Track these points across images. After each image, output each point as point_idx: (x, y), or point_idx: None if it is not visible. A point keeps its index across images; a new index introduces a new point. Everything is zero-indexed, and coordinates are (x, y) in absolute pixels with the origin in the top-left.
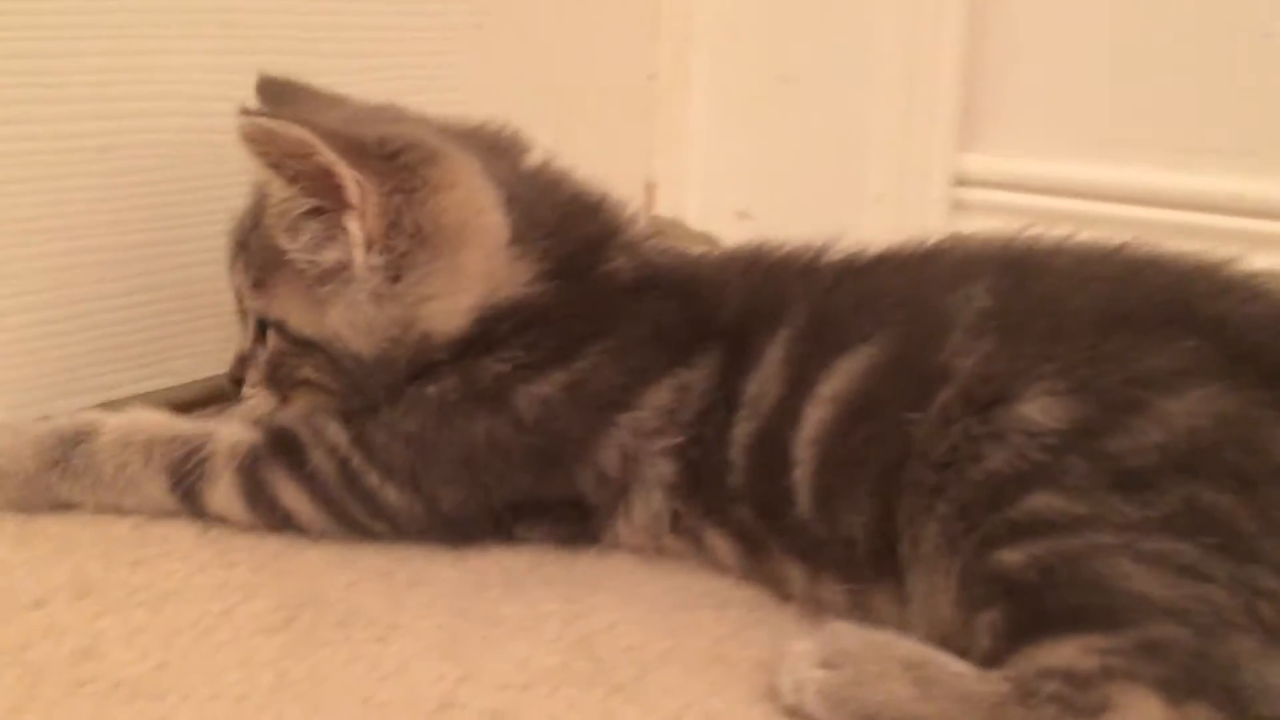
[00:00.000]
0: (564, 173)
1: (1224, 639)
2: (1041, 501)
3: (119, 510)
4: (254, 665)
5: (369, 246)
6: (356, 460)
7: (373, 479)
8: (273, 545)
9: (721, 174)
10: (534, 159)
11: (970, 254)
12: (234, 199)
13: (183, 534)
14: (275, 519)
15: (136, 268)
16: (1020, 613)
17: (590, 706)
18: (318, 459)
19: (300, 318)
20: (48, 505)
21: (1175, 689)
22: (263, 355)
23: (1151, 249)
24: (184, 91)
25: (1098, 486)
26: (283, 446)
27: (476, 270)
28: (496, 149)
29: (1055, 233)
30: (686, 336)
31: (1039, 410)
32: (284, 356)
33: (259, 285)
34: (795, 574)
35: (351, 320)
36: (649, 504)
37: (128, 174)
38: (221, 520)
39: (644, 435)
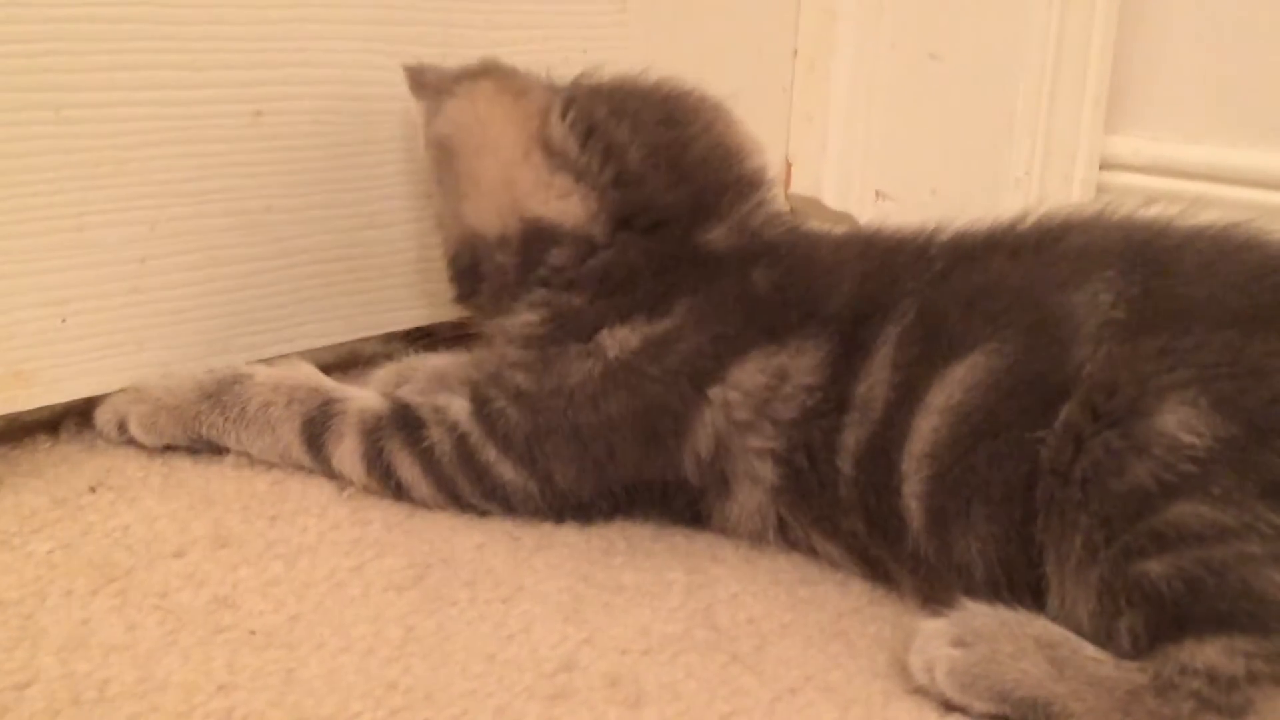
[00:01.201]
0: (708, 138)
1: None
2: (1187, 510)
3: (254, 453)
4: (383, 620)
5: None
6: (475, 435)
7: (490, 453)
8: (405, 506)
9: (861, 153)
10: (681, 120)
11: (1092, 243)
12: (378, 166)
13: (320, 491)
14: (390, 488)
15: (282, 232)
16: (1162, 617)
17: (709, 674)
18: (436, 436)
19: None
20: (196, 439)
21: None
22: None
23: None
24: (332, 60)
25: (1246, 496)
26: (404, 421)
27: (494, 177)
28: (645, 103)
29: (1179, 217)
30: (785, 316)
31: (1179, 425)
32: None
33: None
34: (912, 590)
35: (438, 214)
36: (752, 499)
37: (276, 139)
38: (343, 479)
39: (737, 424)
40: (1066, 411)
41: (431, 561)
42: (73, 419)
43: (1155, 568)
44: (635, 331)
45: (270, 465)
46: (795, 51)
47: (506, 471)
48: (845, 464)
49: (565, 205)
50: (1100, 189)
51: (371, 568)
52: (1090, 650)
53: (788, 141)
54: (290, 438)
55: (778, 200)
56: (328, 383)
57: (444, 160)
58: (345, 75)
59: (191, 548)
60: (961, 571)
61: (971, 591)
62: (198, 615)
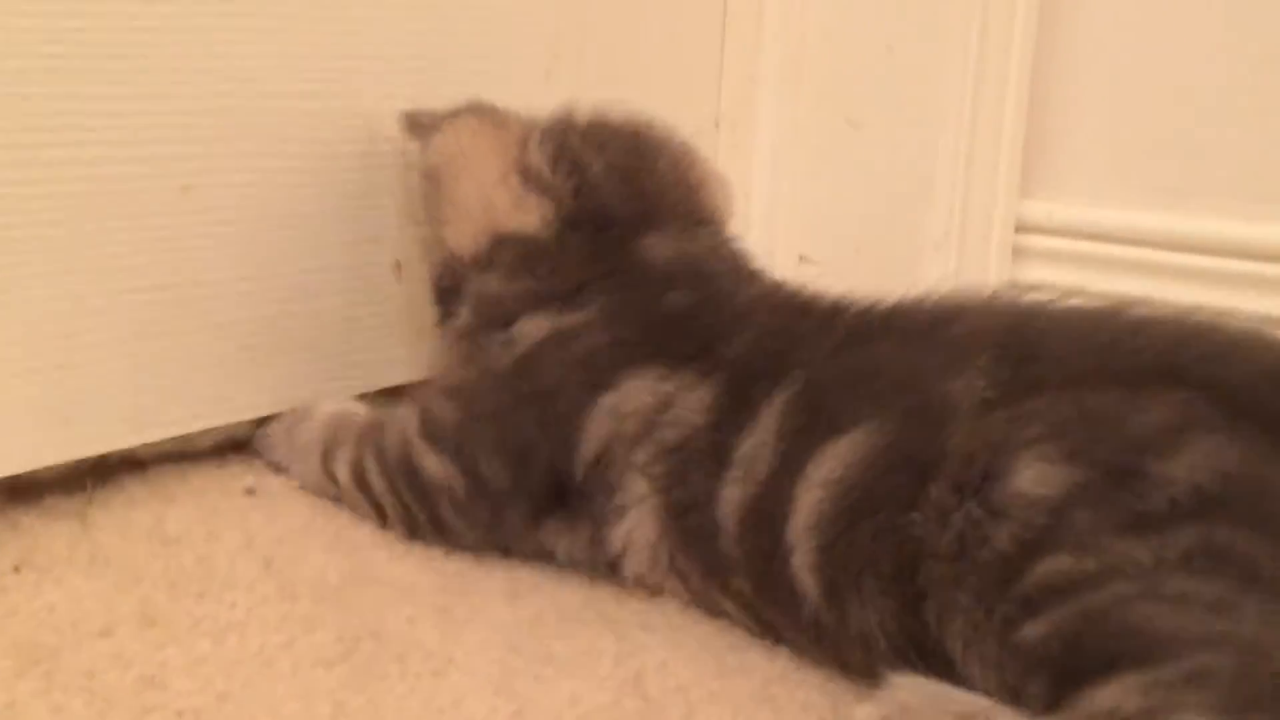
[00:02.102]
0: (670, 168)
1: (1267, 659)
2: (1050, 567)
3: (305, 480)
4: (313, 696)
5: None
6: (413, 433)
7: (422, 450)
8: (334, 578)
9: (783, 217)
10: (647, 150)
11: (974, 330)
12: (305, 239)
13: (247, 566)
14: (365, 494)
15: (209, 305)
16: (1056, 676)
17: None
18: (390, 439)
19: None
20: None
21: (1227, 713)
22: None
23: (1149, 312)
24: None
25: (1104, 535)
26: (376, 429)
27: (474, 201)
28: (616, 134)
29: (1056, 300)
30: (683, 345)
31: (1033, 481)
32: None
33: None
34: (813, 656)
35: (425, 241)
36: (643, 528)
37: (204, 213)
38: (349, 497)
39: (624, 436)
40: (934, 490)
41: (361, 635)
42: None
43: (1032, 632)
44: (547, 320)
45: (196, 541)
46: (717, 120)
47: (433, 467)
48: (727, 521)
49: (527, 216)
50: (1016, 251)
51: (300, 643)
52: (1009, 717)
53: None
54: (315, 465)
55: (732, 241)
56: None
57: (431, 190)
58: (273, 149)
59: (118, 627)
60: (864, 642)
61: (876, 660)
62: (125, 696)
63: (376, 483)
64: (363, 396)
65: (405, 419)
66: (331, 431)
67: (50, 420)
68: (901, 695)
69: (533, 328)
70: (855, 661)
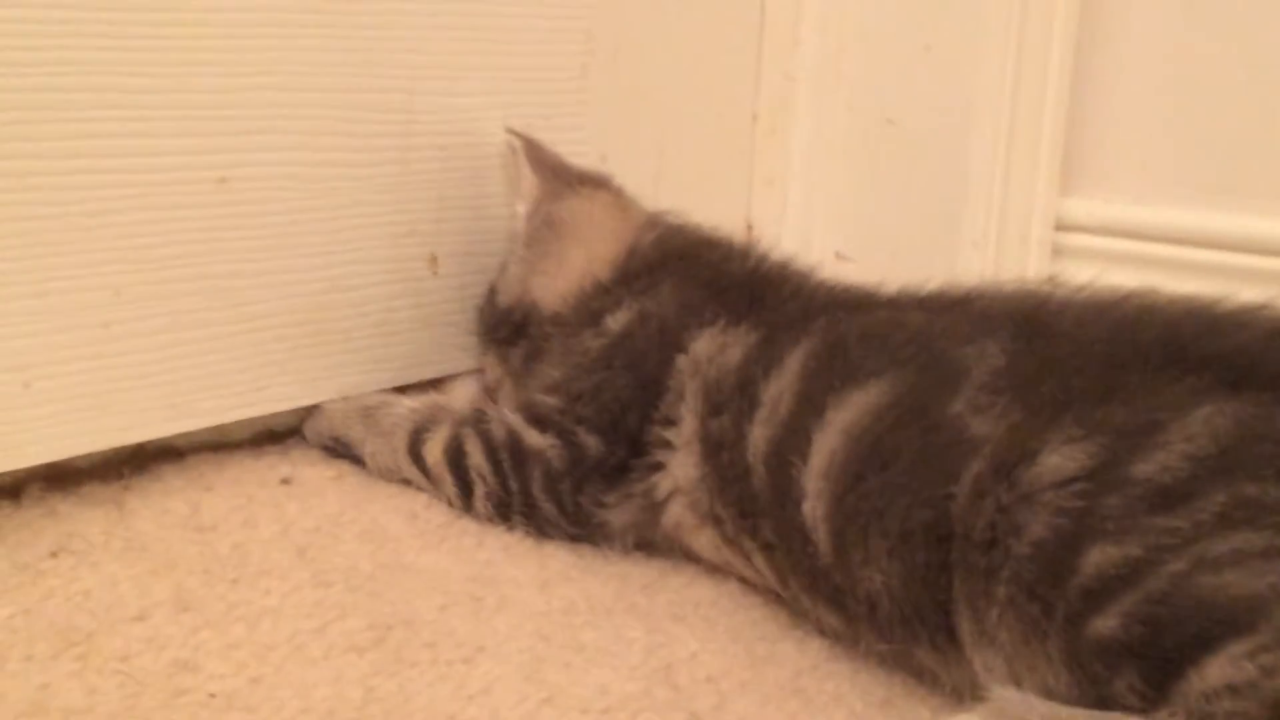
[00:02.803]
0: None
1: None
2: (1098, 558)
3: (376, 458)
4: (344, 682)
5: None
6: (518, 423)
7: (528, 433)
8: (367, 566)
9: (820, 215)
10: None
11: (990, 307)
12: (341, 230)
13: (281, 554)
14: (456, 474)
15: (245, 296)
16: (1150, 664)
17: None
18: (494, 426)
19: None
20: (344, 446)
21: None
22: None
23: (1150, 297)
24: (295, 126)
25: (1137, 515)
26: (477, 418)
27: (577, 268)
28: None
29: (1069, 285)
30: (741, 303)
31: (1061, 458)
32: None
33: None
34: (831, 622)
35: (509, 268)
36: (686, 470)
37: (240, 205)
38: (436, 474)
39: (685, 377)
40: (974, 470)
41: (393, 623)
42: (36, 484)
43: (1105, 625)
44: (629, 309)
45: (232, 528)
46: (755, 116)
47: (536, 441)
48: (756, 461)
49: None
50: (1056, 250)
51: (333, 629)
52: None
53: (749, 205)
54: (401, 446)
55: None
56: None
57: (544, 235)
58: (307, 141)
59: (153, 611)
60: (869, 603)
61: (884, 625)
62: (158, 679)
63: (476, 459)
64: (399, 389)
65: (505, 413)
66: (424, 415)
67: (88, 409)
68: (1001, 706)
69: (620, 315)
70: (864, 625)
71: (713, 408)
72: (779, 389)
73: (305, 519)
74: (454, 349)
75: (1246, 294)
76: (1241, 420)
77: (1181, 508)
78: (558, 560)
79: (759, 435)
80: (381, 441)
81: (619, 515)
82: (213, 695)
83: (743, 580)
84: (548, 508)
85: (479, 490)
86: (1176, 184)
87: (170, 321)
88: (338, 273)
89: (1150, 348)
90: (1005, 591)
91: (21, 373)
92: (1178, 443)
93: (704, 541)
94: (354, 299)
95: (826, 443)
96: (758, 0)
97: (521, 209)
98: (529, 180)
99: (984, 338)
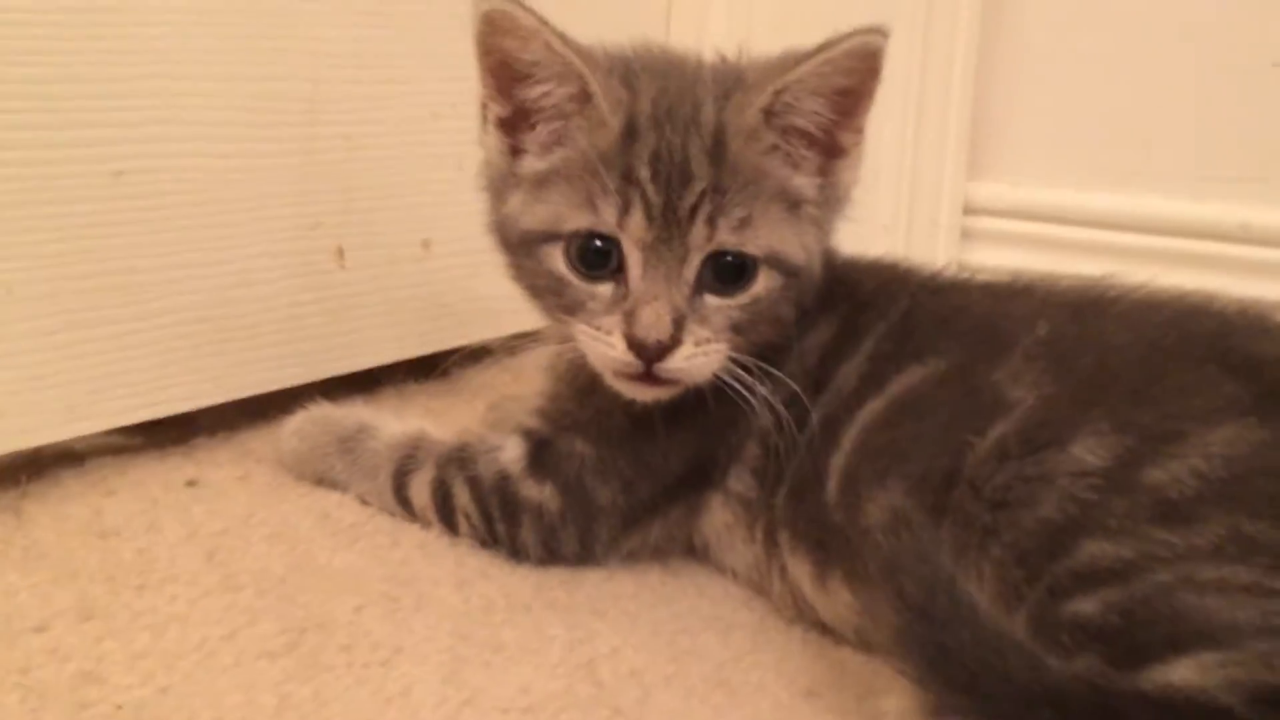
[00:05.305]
0: None
1: None
2: (1094, 549)
3: (365, 498)
4: (257, 689)
5: (851, 162)
6: (511, 460)
7: (521, 482)
8: (278, 569)
9: None
10: None
11: (1051, 295)
12: (244, 224)
13: (189, 559)
14: (444, 518)
15: (145, 293)
16: (1115, 650)
17: None
18: (483, 466)
19: (791, 245)
20: (329, 484)
21: None
22: (721, 304)
23: (1202, 297)
24: (194, 117)
25: (1139, 521)
26: (462, 454)
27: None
28: None
29: (1129, 281)
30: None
31: (1085, 450)
32: (771, 294)
33: (743, 219)
34: (802, 572)
35: (810, 245)
36: (741, 482)
37: (138, 199)
38: (423, 516)
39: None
40: (1000, 431)
41: (306, 626)
42: None
43: (1087, 607)
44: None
45: (136, 533)
46: None
47: (533, 494)
48: (806, 437)
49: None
50: (965, 233)
51: (244, 635)
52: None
53: None
54: (384, 484)
55: None
56: (427, 432)
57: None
58: (206, 132)
59: (54, 621)
60: (869, 536)
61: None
62: (61, 692)
63: (463, 500)
64: (316, 385)
65: (499, 446)
66: (405, 453)
67: None
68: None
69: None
70: (835, 564)
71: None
72: (847, 371)
73: (213, 522)
74: (364, 343)
75: (1148, 274)
76: (1259, 450)
77: (1181, 527)
78: (475, 558)
79: (817, 417)
80: (368, 484)
81: (644, 543)
82: (119, 707)
83: (666, 571)
84: (539, 553)
85: (463, 528)
86: (1081, 168)
87: (66, 320)
88: (240, 267)
89: (1197, 340)
90: (998, 551)
91: None
92: (1193, 457)
93: (740, 545)
94: (258, 294)
95: (875, 406)
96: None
97: (847, 158)
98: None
99: (1039, 318)
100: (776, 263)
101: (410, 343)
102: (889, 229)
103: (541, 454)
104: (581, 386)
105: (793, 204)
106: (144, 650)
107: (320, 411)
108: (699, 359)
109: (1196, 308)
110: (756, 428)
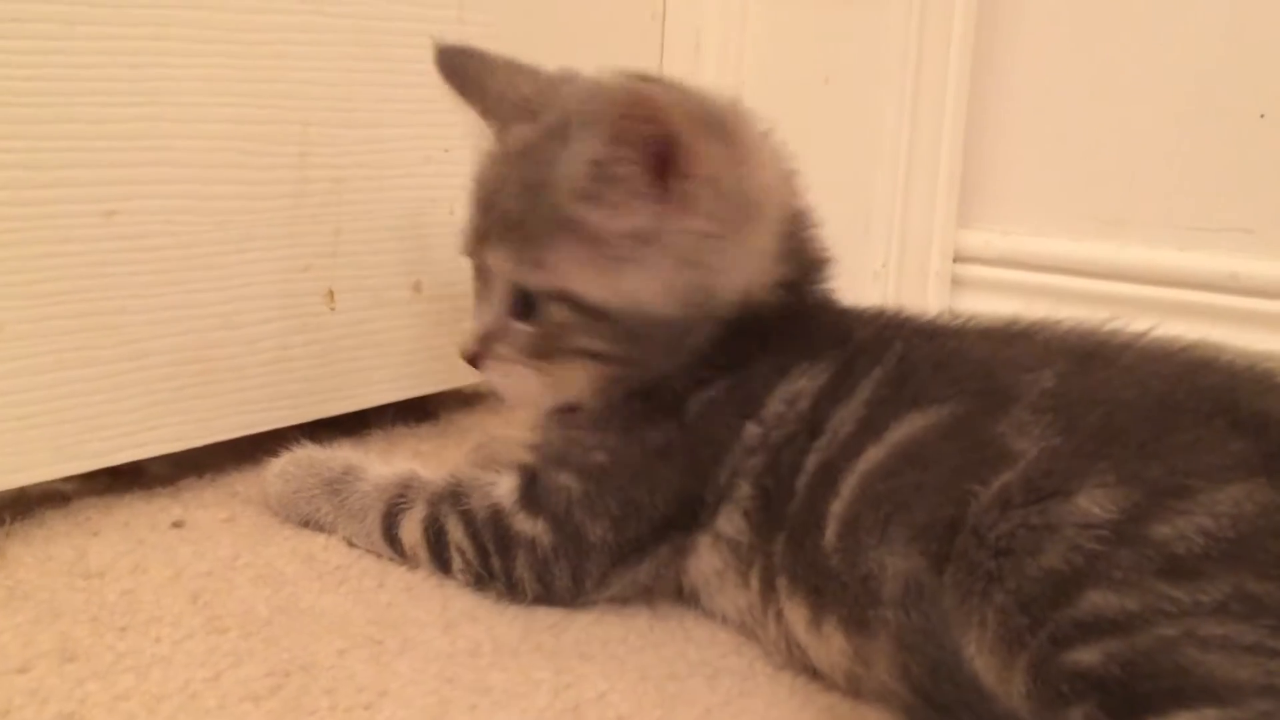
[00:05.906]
0: None
1: None
2: (1099, 599)
3: (353, 540)
4: None
5: (686, 212)
6: (503, 495)
7: (514, 516)
8: (263, 611)
9: None
10: None
11: (1053, 340)
12: (233, 265)
13: (173, 600)
14: (436, 554)
15: (134, 333)
16: (1114, 700)
17: None
18: (476, 501)
19: (591, 286)
20: (316, 527)
21: None
22: (522, 329)
23: (1210, 350)
24: (185, 158)
25: (1144, 574)
26: (455, 491)
27: (758, 250)
28: None
29: (1133, 329)
30: (821, 341)
31: (1091, 501)
32: (564, 328)
33: (536, 257)
34: (798, 616)
35: (650, 285)
36: (731, 524)
37: (129, 239)
38: (413, 555)
39: (747, 450)
40: (1004, 479)
41: (291, 669)
42: None
43: (1089, 656)
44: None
45: (120, 574)
46: None
47: (526, 529)
48: (801, 484)
49: (774, 270)
50: (955, 281)
51: (228, 677)
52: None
53: None
54: (374, 525)
55: None
56: (416, 473)
57: (726, 222)
58: (198, 174)
59: (36, 662)
60: (863, 582)
61: (863, 608)
62: None
63: (456, 535)
64: (304, 428)
65: (492, 481)
66: (394, 493)
67: None
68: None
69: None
70: (831, 610)
71: (767, 466)
72: (844, 416)
73: (198, 563)
74: (353, 385)
75: (1138, 323)
76: (1267, 511)
77: (1186, 583)
78: (462, 600)
79: (812, 462)
80: (356, 526)
81: (633, 581)
82: None
83: (654, 615)
84: (535, 588)
85: (456, 564)
86: (1071, 217)
87: (55, 360)
88: (230, 309)
89: (1205, 395)
90: (1001, 597)
91: None
92: (1200, 514)
93: (731, 589)
94: (247, 335)
95: (875, 454)
96: (656, 33)
97: (683, 189)
98: (694, 148)
99: (1043, 367)
100: (567, 299)
101: (400, 385)
102: (879, 276)
103: (532, 488)
104: (560, 418)
105: (616, 241)
106: (126, 692)
107: (305, 453)
108: (498, 378)
109: (1205, 361)
110: (749, 468)
